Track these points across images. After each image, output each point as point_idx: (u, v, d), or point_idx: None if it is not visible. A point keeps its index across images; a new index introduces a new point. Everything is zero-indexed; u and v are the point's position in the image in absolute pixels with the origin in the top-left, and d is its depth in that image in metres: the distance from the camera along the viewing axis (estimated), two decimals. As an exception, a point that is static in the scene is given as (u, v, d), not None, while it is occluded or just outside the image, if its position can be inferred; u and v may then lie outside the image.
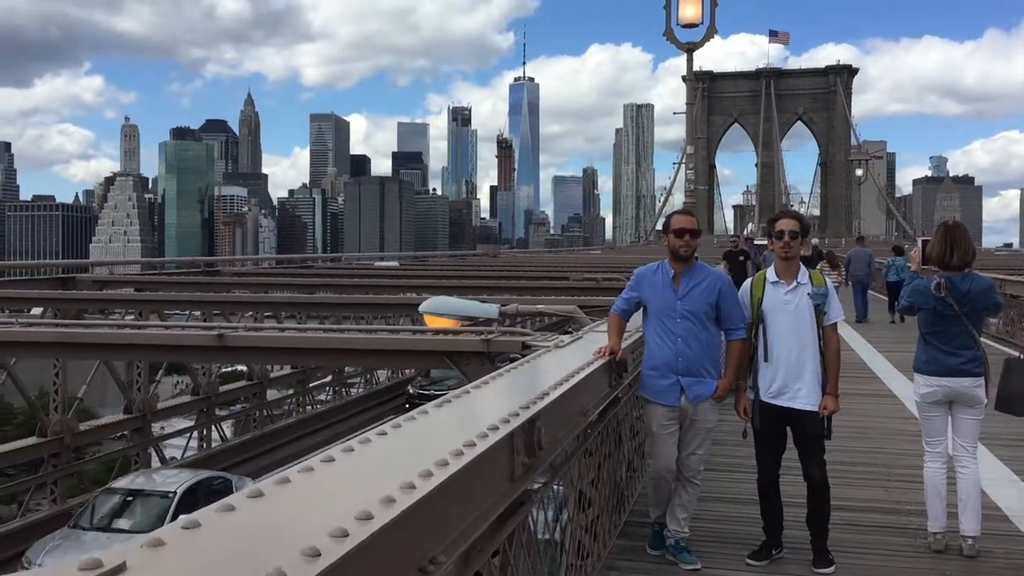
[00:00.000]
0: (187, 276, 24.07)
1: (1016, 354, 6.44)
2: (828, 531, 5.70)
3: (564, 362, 5.49)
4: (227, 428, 31.04)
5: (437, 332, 7.30)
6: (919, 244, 6.09)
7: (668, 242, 5.68)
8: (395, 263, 35.23)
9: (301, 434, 28.54)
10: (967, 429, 5.86)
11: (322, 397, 35.11)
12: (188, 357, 15.75)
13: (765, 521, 5.82)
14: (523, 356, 5.87)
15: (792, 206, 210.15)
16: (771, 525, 5.79)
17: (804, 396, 5.56)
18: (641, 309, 5.79)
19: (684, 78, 16.11)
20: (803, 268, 5.69)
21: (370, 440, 2.89)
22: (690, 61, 16.19)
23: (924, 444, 6.06)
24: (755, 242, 23.94)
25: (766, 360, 5.62)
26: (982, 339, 5.91)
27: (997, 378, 5.97)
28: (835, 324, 5.66)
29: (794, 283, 5.61)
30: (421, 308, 9.01)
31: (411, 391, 30.28)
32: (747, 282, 5.84)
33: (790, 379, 5.57)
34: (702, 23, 16.16)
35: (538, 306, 8.67)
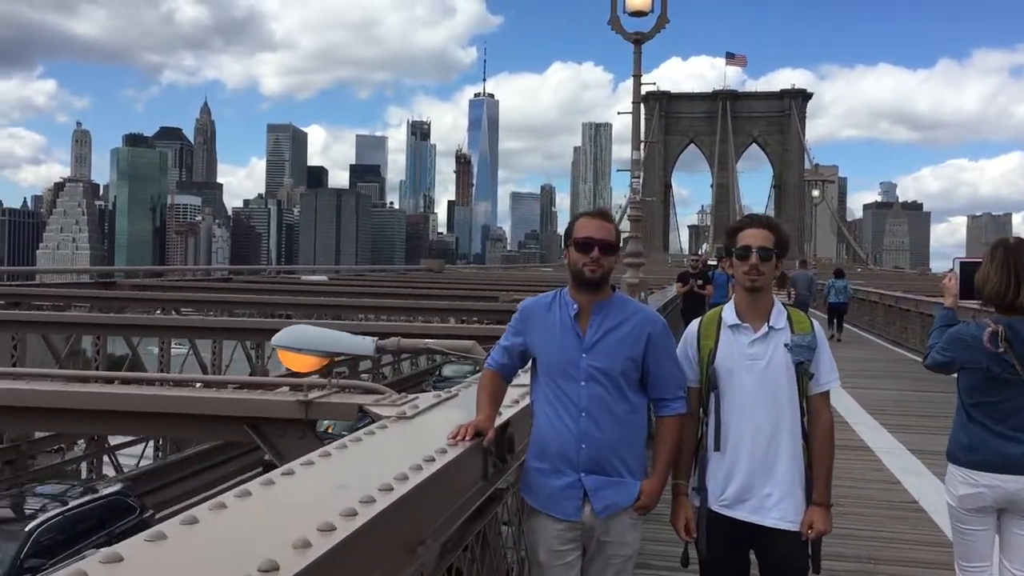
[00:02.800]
0: (73, 289, 21.47)
1: None
2: None
3: (398, 450, 3.44)
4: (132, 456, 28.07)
5: (243, 385, 5.22)
6: (955, 268, 4.12)
7: (568, 258, 3.66)
8: (324, 277, 32.83)
9: None
10: None
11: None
12: None
13: None
14: (358, 428, 3.79)
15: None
16: None
17: (777, 506, 3.56)
18: (530, 363, 3.75)
19: (632, 74, 14.29)
20: (779, 306, 3.69)
21: None
22: (638, 53, 14.31)
23: (957, 570, 4.09)
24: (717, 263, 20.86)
25: (718, 448, 3.62)
26: None
27: None
28: (827, 393, 3.68)
29: (764, 328, 3.62)
30: (274, 341, 6.90)
31: None
32: (692, 326, 3.82)
33: (756, 479, 3.57)
34: (652, 11, 14.42)
35: (426, 341, 6.61)
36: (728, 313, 3.70)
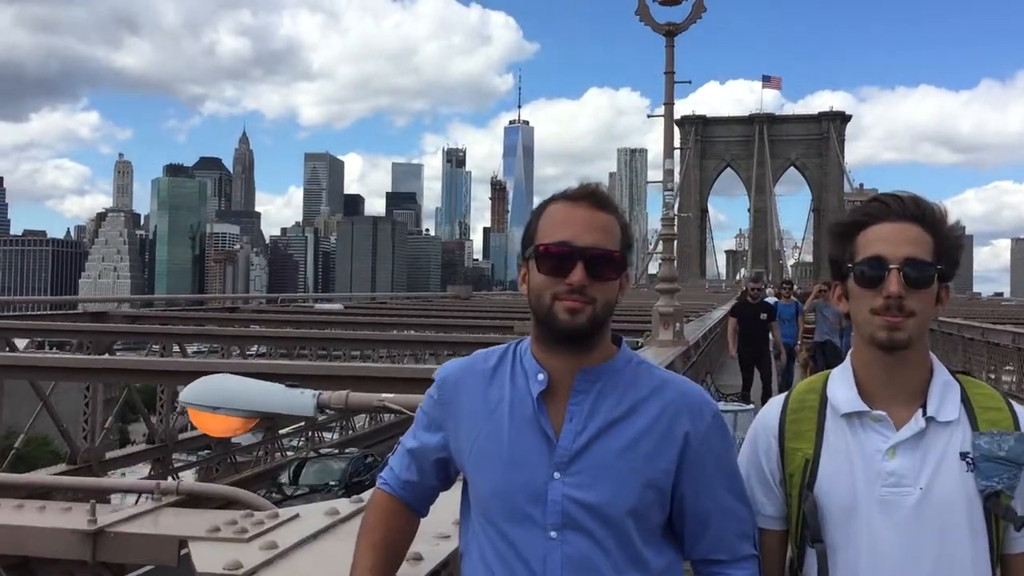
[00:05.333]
0: (59, 322, 20.05)
1: None
2: None
3: None
4: (191, 478, 27.41)
5: (18, 488, 3.52)
6: None
7: (527, 285, 1.89)
8: (339, 306, 31.17)
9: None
10: None
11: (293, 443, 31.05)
12: None
13: None
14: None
15: (785, 251, 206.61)
16: None
17: None
18: (460, 482, 1.98)
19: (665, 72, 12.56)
20: (943, 373, 1.89)
21: None
22: (670, 47, 12.56)
23: None
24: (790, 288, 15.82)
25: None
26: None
27: None
28: None
29: (918, 419, 1.82)
30: (182, 396, 5.28)
31: None
32: (770, 409, 2.01)
33: None
34: (686, -1, 12.72)
35: (381, 396, 4.89)
36: (840, 388, 1.90)
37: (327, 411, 5.31)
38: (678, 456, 1.80)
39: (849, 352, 1.94)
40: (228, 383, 5.26)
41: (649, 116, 13.38)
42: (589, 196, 1.86)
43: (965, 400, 1.84)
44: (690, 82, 13.80)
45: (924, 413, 1.82)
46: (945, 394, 1.84)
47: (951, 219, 1.85)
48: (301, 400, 5.15)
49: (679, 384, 1.89)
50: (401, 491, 1.99)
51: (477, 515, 1.87)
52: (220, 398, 5.07)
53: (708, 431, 1.83)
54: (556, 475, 1.77)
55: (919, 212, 1.84)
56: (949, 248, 1.84)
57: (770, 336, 13.50)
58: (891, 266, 1.79)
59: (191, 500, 3.21)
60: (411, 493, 2.00)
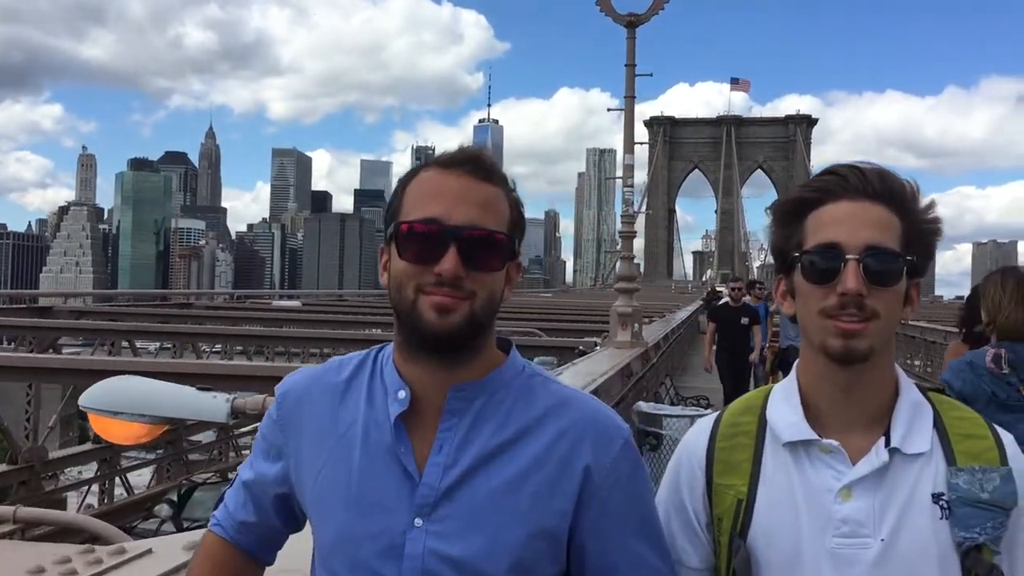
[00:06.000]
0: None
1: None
2: None
3: None
4: (146, 477, 26.80)
5: None
6: None
7: (388, 275, 1.46)
8: (297, 303, 30.34)
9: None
10: None
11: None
12: None
13: None
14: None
15: (751, 253, 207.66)
16: None
17: None
18: (307, 522, 1.56)
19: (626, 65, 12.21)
20: (911, 393, 1.50)
21: None
22: (631, 39, 12.16)
23: None
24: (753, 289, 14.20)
25: None
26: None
27: None
28: None
29: (880, 452, 1.44)
30: (81, 401, 4.83)
31: None
32: (697, 434, 1.62)
33: None
34: (650, -12, 12.36)
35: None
36: (783, 410, 1.51)
37: (242, 417, 4.87)
38: (576, 494, 1.40)
39: (795, 365, 1.56)
40: (132, 385, 4.83)
41: (609, 110, 13.06)
42: (469, 162, 1.44)
43: (939, 426, 1.47)
44: (651, 74, 13.52)
45: (887, 443, 1.44)
46: (914, 419, 1.46)
47: (924, 199, 1.47)
48: (213, 404, 4.72)
49: (583, 403, 1.49)
50: (236, 534, 1.58)
51: (320, 568, 1.46)
52: (122, 402, 4.63)
53: (615, 462, 1.43)
54: (418, 522, 1.37)
55: (885, 189, 1.45)
56: (921, 235, 1.46)
57: (751, 343, 12.47)
58: (848, 256, 1.40)
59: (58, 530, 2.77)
60: (249, 537, 1.58)
